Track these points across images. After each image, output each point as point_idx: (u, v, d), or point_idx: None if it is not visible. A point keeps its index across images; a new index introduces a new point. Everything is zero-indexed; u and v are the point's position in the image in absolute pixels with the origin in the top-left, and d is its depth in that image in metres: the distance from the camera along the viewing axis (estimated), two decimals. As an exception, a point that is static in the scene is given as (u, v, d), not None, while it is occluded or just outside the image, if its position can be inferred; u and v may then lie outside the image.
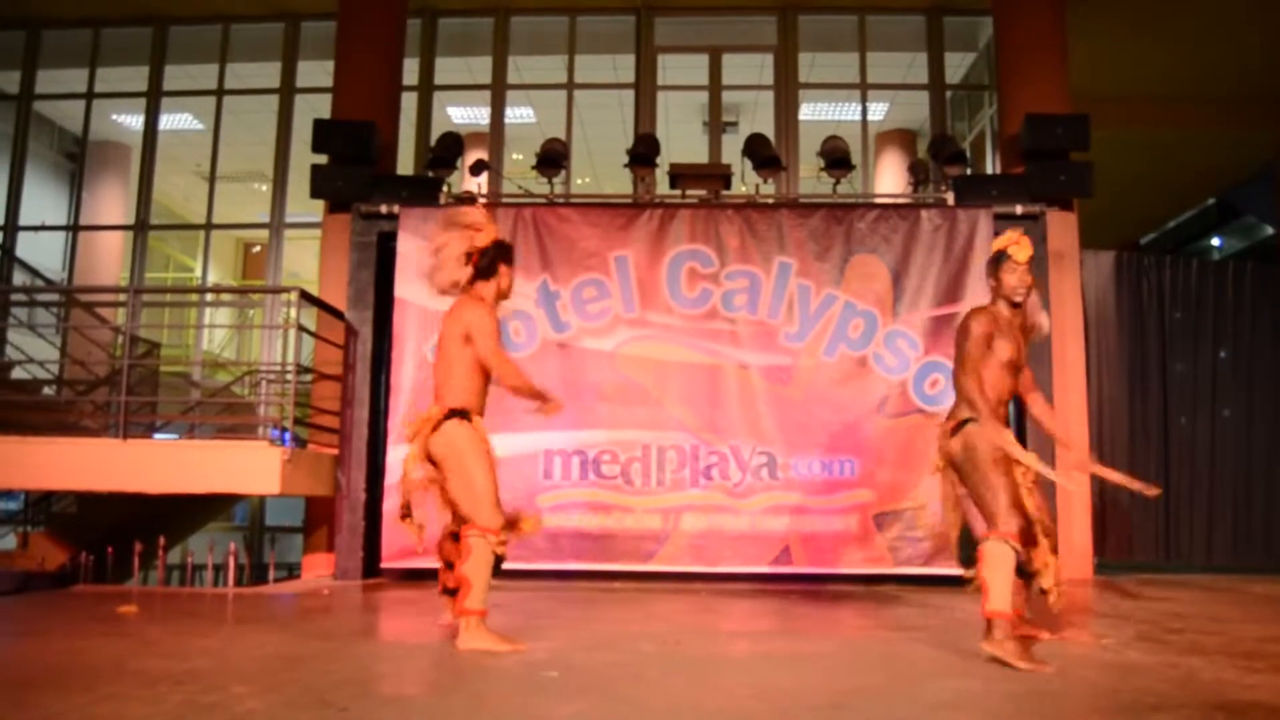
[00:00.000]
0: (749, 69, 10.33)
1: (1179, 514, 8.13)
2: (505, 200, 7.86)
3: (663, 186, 7.99)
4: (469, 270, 3.97)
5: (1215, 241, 14.54)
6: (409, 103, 9.15)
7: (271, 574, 8.07)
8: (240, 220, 13.07)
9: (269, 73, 10.38)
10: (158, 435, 8.42)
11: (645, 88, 9.81)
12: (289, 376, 6.96)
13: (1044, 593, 3.74)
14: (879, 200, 8.55)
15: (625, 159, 7.82)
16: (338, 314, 7.28)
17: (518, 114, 10.83)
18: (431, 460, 3.93)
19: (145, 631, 4.26)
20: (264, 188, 11.92)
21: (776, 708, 2.78)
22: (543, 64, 10.32)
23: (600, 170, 12.89)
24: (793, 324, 6.98)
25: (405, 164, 9.37)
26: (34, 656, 3.56)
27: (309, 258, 12.98)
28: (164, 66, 10.50)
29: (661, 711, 2.72)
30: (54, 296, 9.67)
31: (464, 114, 11.03)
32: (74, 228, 11.19)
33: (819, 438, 6.84)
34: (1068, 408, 7.16)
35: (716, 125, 10.07)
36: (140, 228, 10.43)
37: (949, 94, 10.12)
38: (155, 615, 4.90)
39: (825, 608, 5.58)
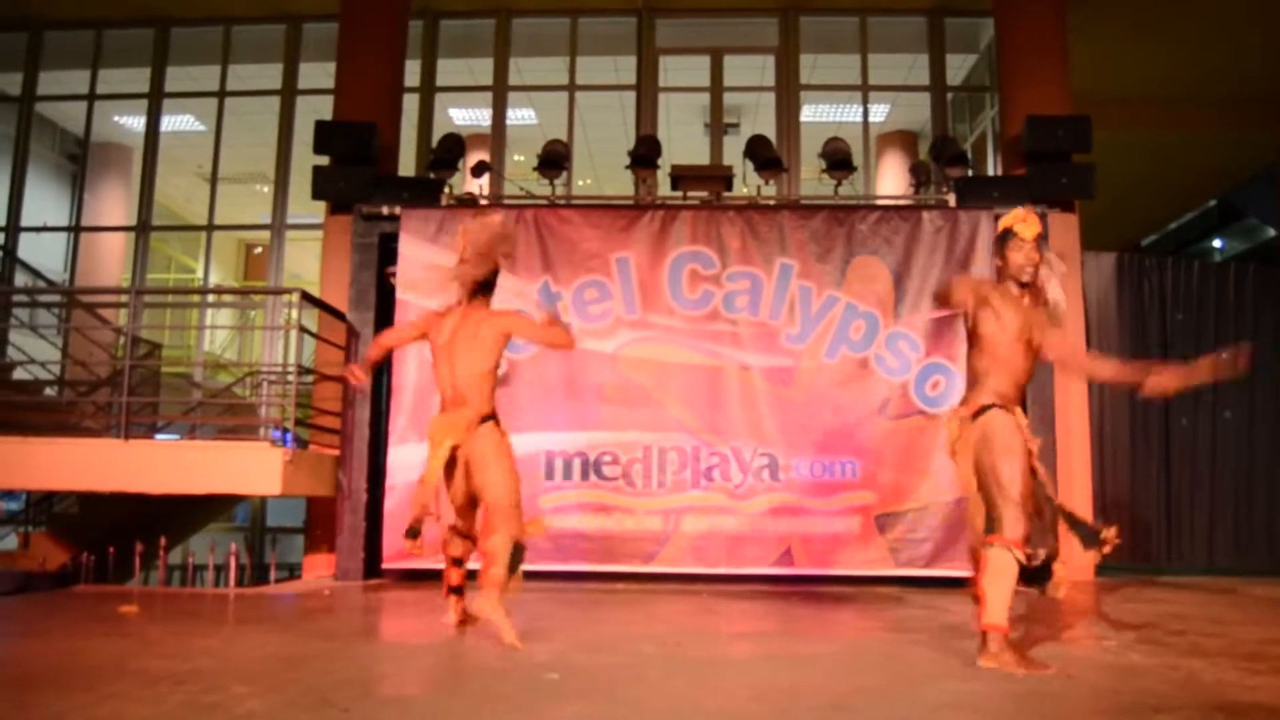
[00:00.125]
0: (750, 70, 10.33)
1: (1180, 516, 8.13)
2: (507, 202, 7.87)
3: (664, 188, 7.99)
4: (479, 279, 4.10)
5: (1217, 243, 14.53)
6: (410, 104, 9.15)
7: (273, 574, 8.07)
8: (242, 221, 13.07)
9: (270, 74, 10.39)
10: (159, 436, 8.42)
11: (646, 89, 9.81)
12: (290, 377, 6.97)
13: (1045, 592, 3.63)
14: (880, 202, 8.55)
15: (627, 160, 7.83)
16: (339, 315, 7.28)
17: (519, 115, 10.84)
18: (450, 462, 4.04)
19: (146, 632, 4.26)
20: (265, 189, 11.93)
21: (777, 708, 2.79)
22: (544, 65, 10.32)
23: (602, 172, 12.90)
24: (794, 325, 6.98)
25: (407, 165, 9.37)
26: (35, 656, 3.56)
27: (310, 259, 13.00)
28: (166, 68, 10.50)
29: (662, 713, 2.72)
30: (56, 297, 9.67)
31: (465, 115, 11.04)
32: (76, 229, 11.19)
33: (820, 439, 6.84)
34: (1069, 409, 7.16)
35: (718, 127, 10.07)
36: (142, 229, 10.44)
37: (950, 95, 10.12)
38: (156, 615, 4.90)
39: (826, 609, 5.58)
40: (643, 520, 6.79)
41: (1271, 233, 13.01)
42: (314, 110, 9.59)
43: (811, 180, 9.47)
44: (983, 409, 3.53)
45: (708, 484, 6.84)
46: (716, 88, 10.10)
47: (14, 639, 4.19)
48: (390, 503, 6.81)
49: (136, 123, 11.16)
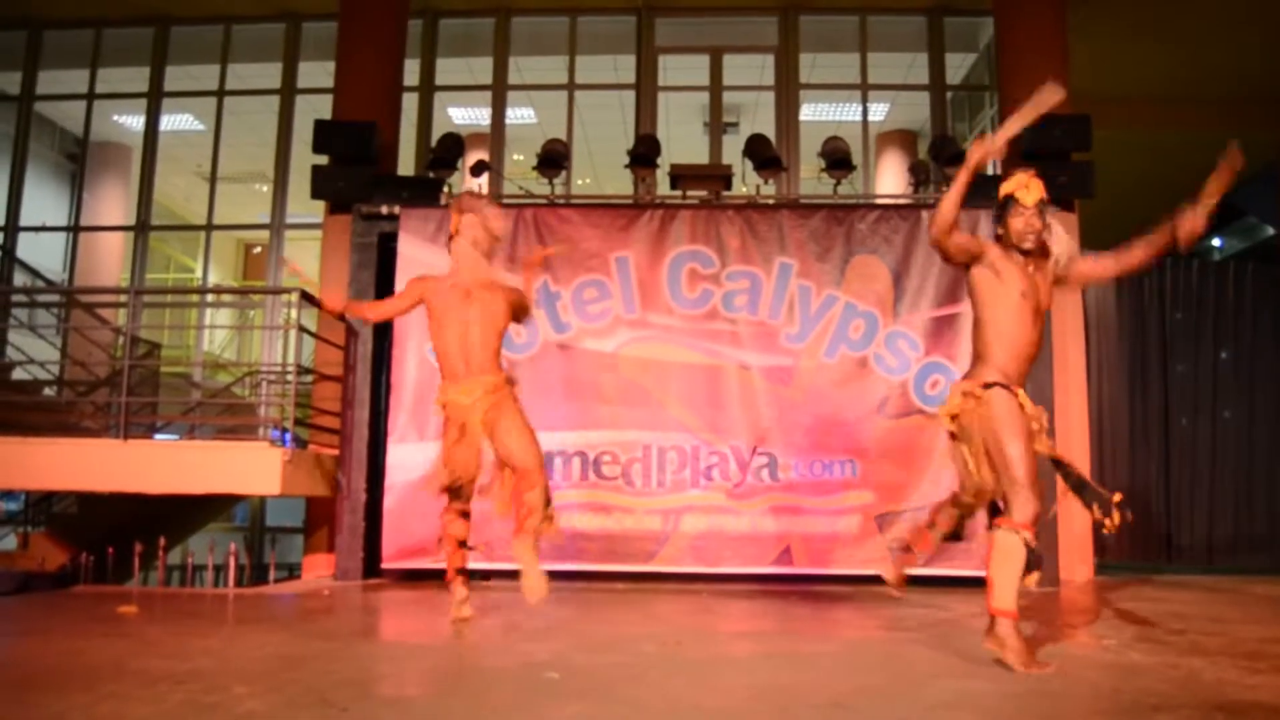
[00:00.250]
0: (750, 69, 10.33)
1: (1180, 515, 8.14)
2: (506, 201, 7.85)
3: (663, 187, 7.99)
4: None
5: (1216, 242, 14.53)
6: (410, 103, 9.15)
7: (272, 574, 8.07)
8: (241, 221, 13.07)
9: (270, 73, 10.39)
10: (158, 436, 8.43)
11: (646, 88, 9.81)
12: (289, 377, 6.97)
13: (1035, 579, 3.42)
14: (880, 201, 8.55)
15: (626, 160, 7.82)
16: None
17: (518, 115, 10.83)
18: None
19: (146, 632, 4.26)
20: (265, 188, 11.92)
21: (777, 707, 2.78)
22: (543, 64, 10.32)
23: (601, 171, 12.89)
24: (793, 325, 6.97)
25: (406, 165, 9.37)
26: (35, 656, 3.56)
27: (310, 258, 12.97)
28: (165, 67, 10.49)
29: (662, 712, 2.72)
30: (55, 297, 9.68)
31: (465, 115, 11.03)
32: (75, 228, 11.19)
33: (819, 438, 6.83)
34: (1068, 408, 7.15)
35: (717, 126, 10.07)
36: (141, 228, 10.44)
37: (950, 95, 10.12)
38: (156, 615, 4.90)
39: (825, 608, 5.58)
40: (642, 520, 6.79)
41: (1271, 232, 13.02)
42: (313, 109, 9.60)
43: (811, 179, 9.47)
44: (986, 387, 3.43)
45: (707, 483, 6.84)
46: (716, 87, 10.10)
47: (13, 639, 4.19)
48: (390, 502, 6.80)
49: (136, 122, 11.16)
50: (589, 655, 3.65)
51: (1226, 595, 6.11)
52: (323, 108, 8.89)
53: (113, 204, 11.87)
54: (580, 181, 13.05)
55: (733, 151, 8.72)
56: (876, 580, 6.65)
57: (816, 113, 10.71)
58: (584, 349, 6.97)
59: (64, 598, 5.70)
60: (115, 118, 11.79)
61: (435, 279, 4.32)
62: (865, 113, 10.22)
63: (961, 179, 3.39)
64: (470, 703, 2.85)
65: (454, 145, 7.61)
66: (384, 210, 7.19)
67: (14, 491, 8.72)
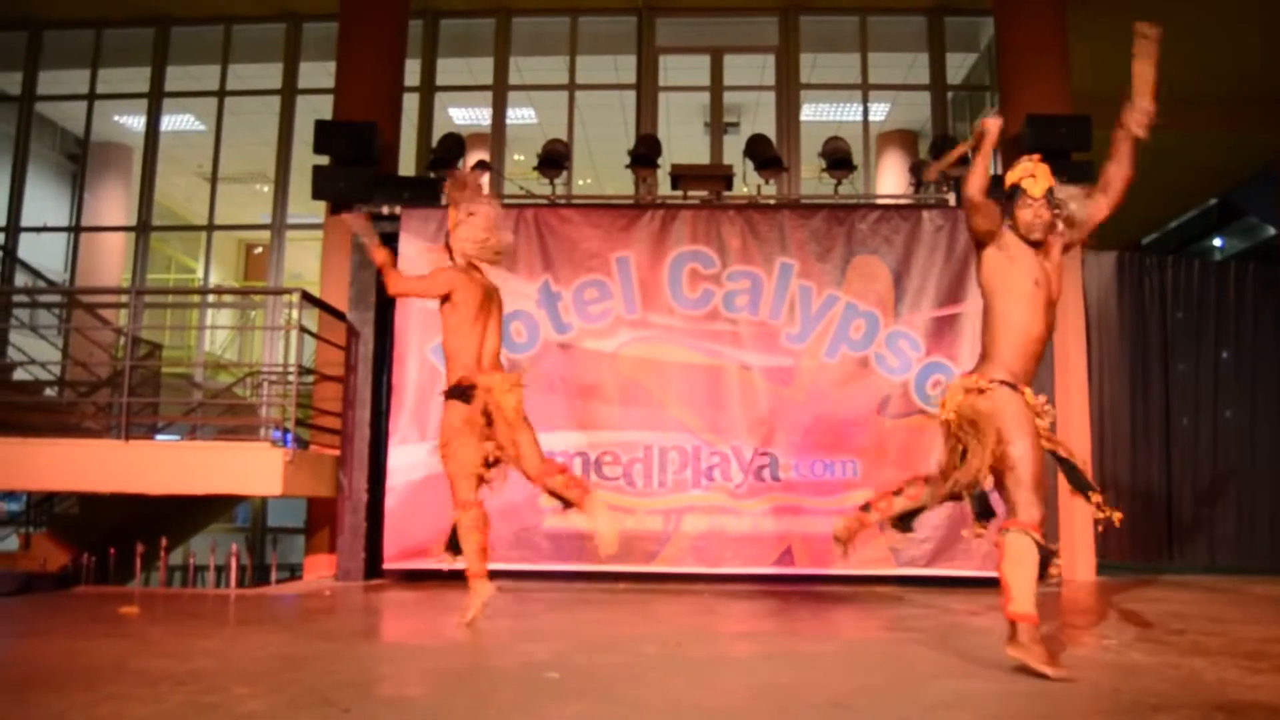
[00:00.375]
0: (750, 70, 10.33)
1: (1181, 515, 8.13)
2: (507, 201, 7.85)
3: (664, 187, 7.99)
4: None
5: (1217, 242, 14.52)
6: (410, 104, 9.15)
7: (273, 575, 8.07)
8: (242, 221, 13.08)
9: (271, 74, 10.39)
10: (159, 436, 8.43)
11: (647, 88, 9.81)
12: (291, 377, 6.97)
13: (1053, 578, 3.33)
14: (880, 201, 8.55)
15: (627, 160, 7.82)
16: (339, 315, 7.28)
17: (519, 115, 10.84)
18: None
19: (147, 632, 4.26)
20: (266, 189, 11.94)
21: (777, 707, 2.78)
22: (544, 65, 10.32)
23: (602, 171, 12.89)
24: (794, 325, 6.97)
25: (407, 165, 9.37)
26: (36, 657, 3.56)
27: (311, 259, 12.99)
28: (166, 67, 10.50)
29: (662, 712, 2.72)
30: (56, 298, 9.68)
31: (465, 115, 11.04)
32: (76, 229, 11.20)
33: (820, 439, 6.83)
34: (1069, 408, 7.15)
35: (718, 126, 10.07)
36: (142, 229, 10.44)
37: (950, 94, 10.12)
38: (157, 616, 4.91)
39: (826, 608, 5.58)
40: (643, 520, 6.78)
41: (1272, 231, 13.00)
42: (314, 110, 9.60)
43: (811, 179, 9.47)
44: (991, 384, 3.37)
45: (708, 483, 6.84)
46: (716, 87, 10.10)
47: (15, 639, 4.19)
48: (391, 503, 6.81)
49: (136, 122, 11.17)
50: (589, 655, 3.66)
51: (1227, 595, 6.11)
52: (323, 108, 8.89)
53: (114, 204, 11.88)
54: (581, 182, 13.06)
55: (733, 151, 8.72)
56: (878, 581, 6.70)
57: (817, 113, 10.71)
58: (585, 349, 6.97)
59: (65, 598, 5.71)
60: (116, 118, 11.80)
61: (461, 272, 4.43)
62: (866, 113, 10.22)
63: (984, 153, 3.43)
64: (471, 703, 2.86)
65: (455, 145, 7.62)
66: (385, 210, 7.19)
67: (15, 492, 8.73)
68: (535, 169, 7.79)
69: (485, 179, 6.68)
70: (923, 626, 4.61)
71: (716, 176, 7.61)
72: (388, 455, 6.90)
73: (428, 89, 10.01)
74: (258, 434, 7.35)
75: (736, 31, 10.16)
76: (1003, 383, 3.38)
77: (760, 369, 6.92)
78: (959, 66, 10.36)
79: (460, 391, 4.34)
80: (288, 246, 10.27)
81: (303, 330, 7.24)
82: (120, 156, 12.06)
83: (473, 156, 9.41)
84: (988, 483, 3.47)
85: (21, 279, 9.82)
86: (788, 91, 9.88)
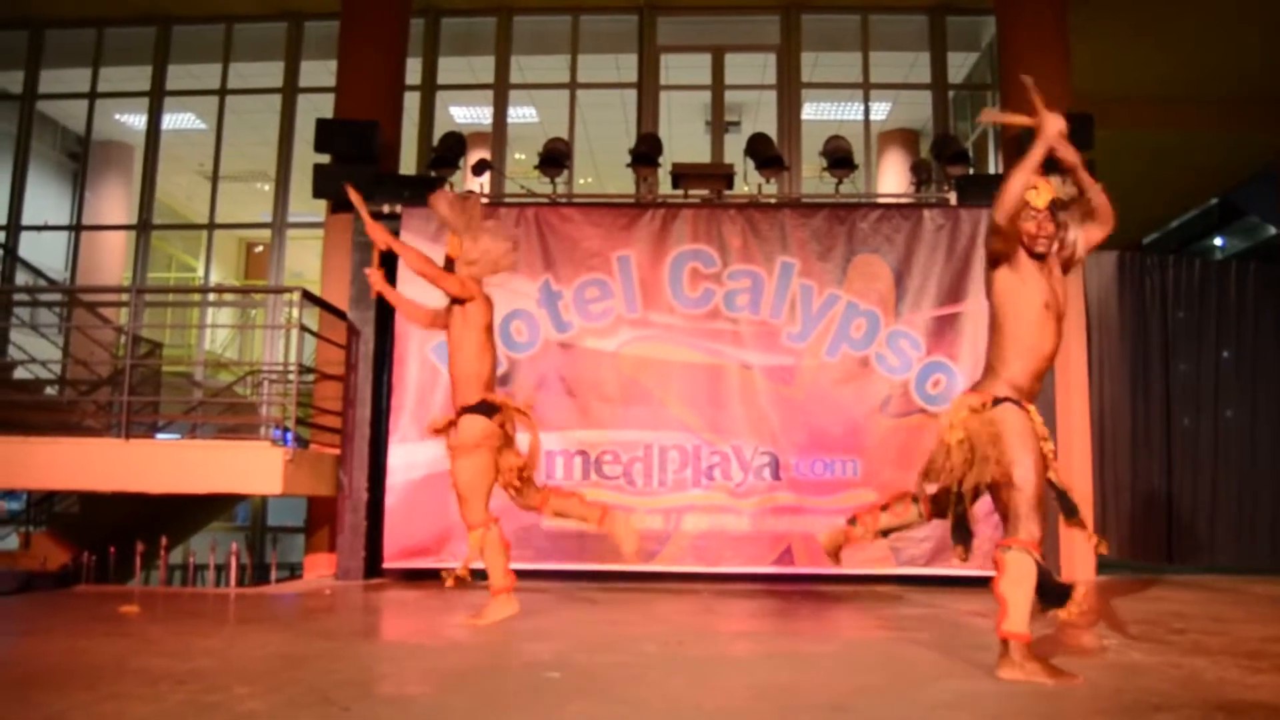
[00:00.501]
0: (751, 68, 10.32)
1: (1181, 514, 8.12)
2: (508, 200, 7.86)
3: (665, 186, 7.99)
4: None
5: (1218, 241, 14.51)
6: (411, 102, 9.15)
7: (273, 574, 8.07)
8: (243, 220, 13.06)
9: (272, 72, 10.39)
10: (160, 435, 8.43)
11: (648, 87, 9.81)
12: (291, 376, 6.97)
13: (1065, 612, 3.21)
14: (881, 200, 8.54)
15: (628, 159, 7.82)
16: (340, 314, 7.28)
17: (520, 113, 10.83)
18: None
19: (147, 631, 4.26)
20: (266, 187, 11.93)
21: (777, 707, 2.78)
22: (545, 63, 10.32)
23: (603, 170, 12.88)
24: (795, 324, 6.97)
25: (408, 164, 9.37)
26: (36, 656, 3.56)
27: (311, 257, 12.99)
28: (167, 66, 10.50)
29: (663, 712, 2.72)
30: (56, 296, 9.69)
31: (466, 113, 11.03)
32: (77, 227, 11.19)
33: (821, 438, 6.83)
34: (1070, 408, 7.14)
35: (719, 125, 10.07)
36: (143, 227, 10.44)
37: (952, 94, 10.11)
38: (157, 615, 4.91)
39: (827, 608, 5.58)
40: (643, 519, 6.77)
41: (1272, 231, 12.99)
42: (315, 108, 9.60)
43: (813, 178, 9.47)
44: (995, 402, 3.35)
45: (708, 483, 6.84)
46: (718, 86, 10.10)
47: (15, 638, 4.19)
48: (391, 502, 6.81)
49: (138, 121, 11.17)
50: (590, 655, 3.66)
51: (1228, 595, 6.11)
52: (324, 107, 8.89)
53: (114, 203, 11.88)
54: (582, 180, 13.04)
55: (734, 150, 8.71)
56: (878, 580, 6.70)
57: (818, 112, 10.70)
58: (586, 348, 6.97)
59: (66, 597, 5.71)
60: (117, 117, 11.80)
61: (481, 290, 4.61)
62: (867, 112, 10.21)
63: (1036, 155, 3.40)
64: (471, 702, 2.85)
65: (456, 144, 7.61)
66: (385, 209, 7.18)
67: (16, 491, 8.72)
68: (536, 168, 7.79)
69: (484, 200, 6.70)
70: (923, 626, 4.61)
71: (717, 175, 7.61)
72: (388, 454, 6.90)
73: (429, 88, 10.01)
74: (258, 433, 7.36)
75: (738, 30, 10.15)
76: (1007, 399, 3.36)
77: (761, 368, 6.92)
78: (960, 66, 10.35)
79: (487, 407, 4.45)
80: (288, 245, 10.27)
81: (303, 329, 7.24)
82: (121, 155, 12.05)
83: (474, 155, 9.40)
84: (973, 505, 3.48)
85: (22, 277, 9.83)
86: (789, 90, 9.87)
